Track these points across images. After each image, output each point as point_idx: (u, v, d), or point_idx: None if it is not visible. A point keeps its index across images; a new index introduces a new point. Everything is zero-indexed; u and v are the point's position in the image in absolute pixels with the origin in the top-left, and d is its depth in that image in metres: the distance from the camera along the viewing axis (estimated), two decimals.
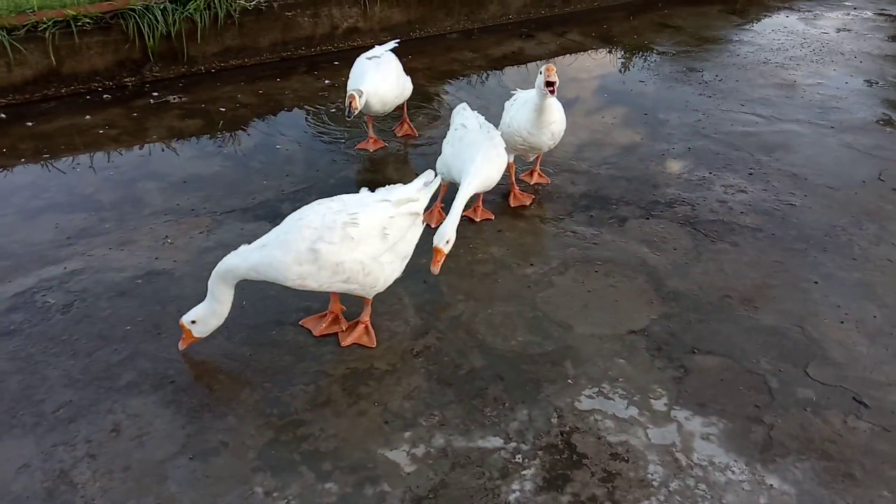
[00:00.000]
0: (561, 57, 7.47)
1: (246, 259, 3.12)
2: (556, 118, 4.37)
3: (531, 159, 4.87)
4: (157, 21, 6.37)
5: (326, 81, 6.67)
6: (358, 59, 5.11)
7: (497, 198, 4.77)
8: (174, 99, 6.25)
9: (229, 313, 3.62)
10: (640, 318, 3.70)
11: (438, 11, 7.95)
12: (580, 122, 5.90)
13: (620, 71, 7.10)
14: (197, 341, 3.41)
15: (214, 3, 6.61)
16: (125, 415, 3.09)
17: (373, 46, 7.73)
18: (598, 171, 5.17)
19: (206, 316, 3.29)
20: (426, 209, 3.72)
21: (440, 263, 3.56)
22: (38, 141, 5.52)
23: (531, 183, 4.91)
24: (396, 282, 3.80)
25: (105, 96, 6.30)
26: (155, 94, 6.36)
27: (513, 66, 7.24)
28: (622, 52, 7.61)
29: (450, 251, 3.59)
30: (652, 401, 3.20)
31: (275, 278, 3.12)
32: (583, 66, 7.19)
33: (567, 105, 6.24)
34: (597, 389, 3.25)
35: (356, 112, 4.58)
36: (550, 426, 3.06)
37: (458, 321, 3.65)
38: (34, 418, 3.07)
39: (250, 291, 3.84)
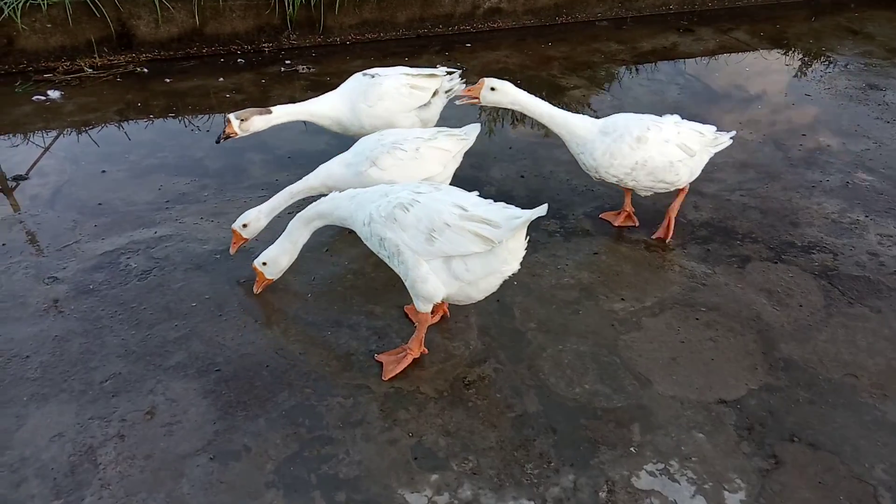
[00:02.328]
0: (716, 58, 6.71)
1: (337, 207, 3.22)
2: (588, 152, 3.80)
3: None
4: None
5: (458, 64, 6.40)
6: (354, 75, 4.34)
7: (597, 215, 4.31)
8: (303, 69, 6.25)
9: (294, 305, 3.53)
10: (736, 385, 3.16)
11: None
12: None
13: (785, 80, 6.25)
14: (270, 283, 3.57)
15: None
16: (164, 398, 3.06)
17: (514, 29, 7.44)
18: (730, 196, 4.54)
19: (278, 255, 3.46)
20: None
21: (236, 246, 3.73)
22: (171, 98, 5.71)
23: (614, 224, 4.22)
24: None
25: (240, 60, 6.42)
26: (287, 62, 6.40)
27: (661, 61, 6.59)
28: (792, 59, 6.71)
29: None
30: (726, 493, 2.70)
31: (352, 227, 3.23)
32: (740, 71, 6.41)
33: (712, 115, 5.58)
34: (662, 466, 2.80)
35: (223, 138, 3.93)
36: (596, 501, 2.66)
37: (522, 353, 3.30)
38: (82, 385, 3.11)
39: (319, 284, 3.71)
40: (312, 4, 6.51)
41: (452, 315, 3.50)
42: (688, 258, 3.96)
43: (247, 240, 3.74)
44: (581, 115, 3.87)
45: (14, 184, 4.60)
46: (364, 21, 6.81)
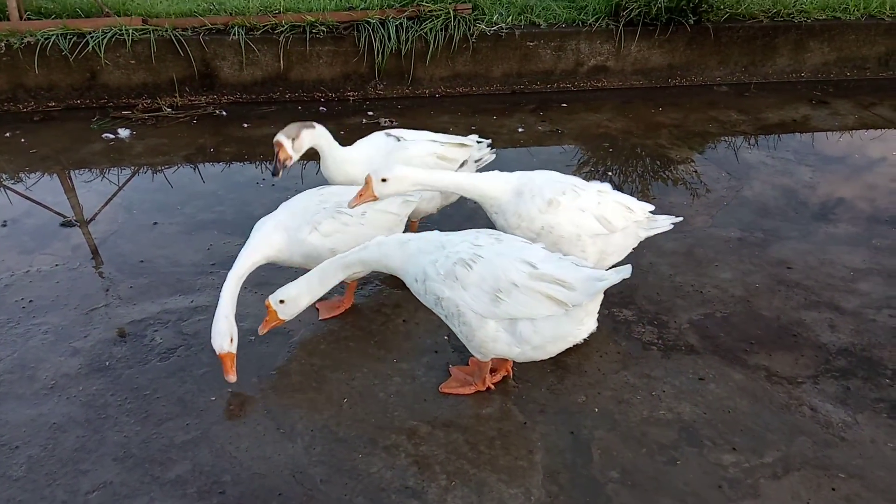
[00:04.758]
0: (854, 135, 5.78)
1: (386, 255, 2.94)
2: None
3: None
4: (390, 38, 5.99)
5: (538, 126, 5.79)
6: (375, 133, 3.88)
7: (706, 324, 3.53)
8: (385, 122, 5.81)
9: (326, 412, 2.99)
10: None
11: (710, 58, 6.66)
12: (861, 234, 4.35)
13: None
14: (280, 324, 3.16)
15: (451, 25, 6.07)
16: None
17: (620, 90, 6.77)
18: (875, 316, 3.66)
19: (300, 295, 3.09)
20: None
21: (231, 372, 3.04)
22: (244, 146, 5.39)
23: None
24: (532, 426, 2.86)
25: (322, 109, 6.06)
26: (370, 113, 5.99)
27: (788, 135, 5.75)
28: None
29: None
30: None
31: (402, 278, 2.99)
32: (886, 155, 5.46)
33: (849, 205, 4.69)
34: None
35: (281, 167, 3.39)
36: None
37: None
38: (66, 495, 2.63)
39: (359, 385, 3.13)
40: (403, 54, 6.10)
41: (514, 450, 2.82)
42: (821, 397, 3.13)
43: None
44: (490, 175, 3.34)
45: (63, 228, 4.31)
46: (456, 74, 6.34)
